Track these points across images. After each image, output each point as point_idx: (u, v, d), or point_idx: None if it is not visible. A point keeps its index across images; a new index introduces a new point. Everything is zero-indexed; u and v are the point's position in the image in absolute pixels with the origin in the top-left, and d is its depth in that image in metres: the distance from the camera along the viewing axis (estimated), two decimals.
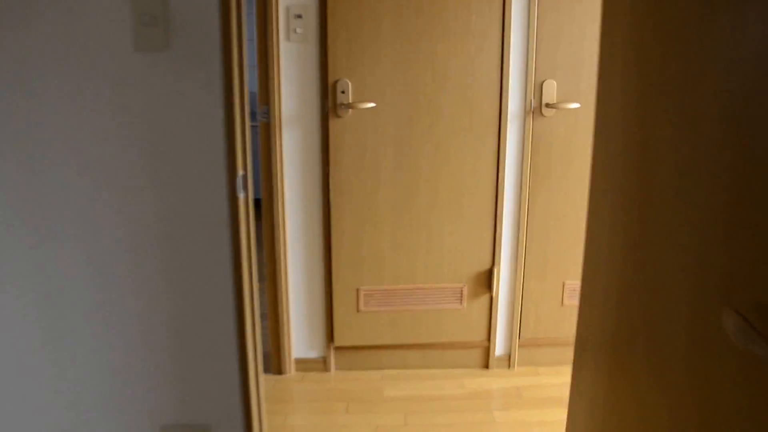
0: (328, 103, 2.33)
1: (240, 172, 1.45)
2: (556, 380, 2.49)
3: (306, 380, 2.52)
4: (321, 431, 2.20)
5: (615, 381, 1.23)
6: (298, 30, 2.31)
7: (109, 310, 1.46)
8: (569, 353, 1.56)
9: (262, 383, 1.67)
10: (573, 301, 2.53)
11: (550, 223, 2.48)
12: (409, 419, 2.26)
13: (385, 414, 2.29)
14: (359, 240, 2.42)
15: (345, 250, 2.43)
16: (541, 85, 2.41)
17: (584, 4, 2.37)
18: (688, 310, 0.93)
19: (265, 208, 2.39)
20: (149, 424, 1.53)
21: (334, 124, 2.34)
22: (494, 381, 2.52)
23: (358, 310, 2.48)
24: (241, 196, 1.45)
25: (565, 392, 1.63)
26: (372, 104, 2.32)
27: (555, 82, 2.40)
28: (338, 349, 2.56)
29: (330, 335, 2.53)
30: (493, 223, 2.46)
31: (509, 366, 2.60)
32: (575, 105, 2.39)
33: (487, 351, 2.58)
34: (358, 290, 2.46)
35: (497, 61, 2.37)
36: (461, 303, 2.51)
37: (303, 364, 2.56)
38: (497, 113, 2.39)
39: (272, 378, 2.52)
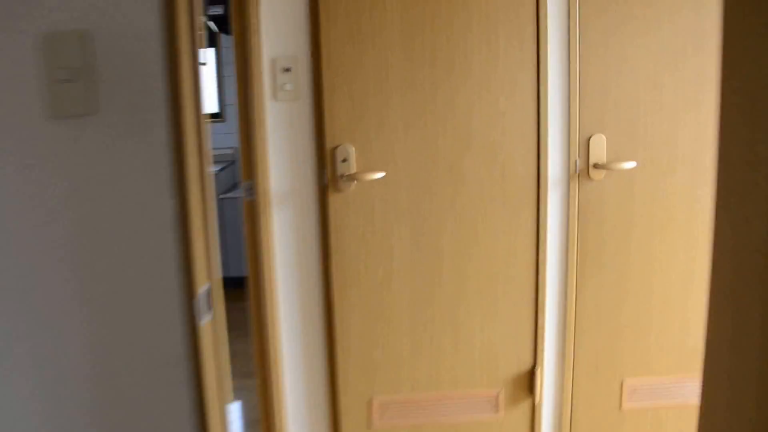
0: (327, 174, 1.88)
1: (202, 287, 1.01)
2: None
3: None
4: None
5: None
6: (288, 86, 1.86)
7: None
8: None
9: None
10: (634, 404, 2.07)
11: (602, 310, 2.03)
12: None
13: None
14: (371, 340, 1.97)
15: (353, 353, 1.97)
16: (588, 141, 1.96)
17: (638, 40, 1.92)
18: None
19: (253, 313, 1.92)
20: None
21: (334, 200, 1.89)
22: None
23: (370, 426, 2.02)
24: (203, 321, 1.01)
25: None
26: (381, 174, 1.87)
27: (605, 137, 1.95)
28: None
29: None
30: (533, 313, 2.00)
31: None
32: (631, 164, 1.94)
33: None
34: (370, 401, 2.00)
35: (533, 113, 1.92)
36: (497, 412, 2.05)
37: None
38: (535, 178, 1.94)
39: None
